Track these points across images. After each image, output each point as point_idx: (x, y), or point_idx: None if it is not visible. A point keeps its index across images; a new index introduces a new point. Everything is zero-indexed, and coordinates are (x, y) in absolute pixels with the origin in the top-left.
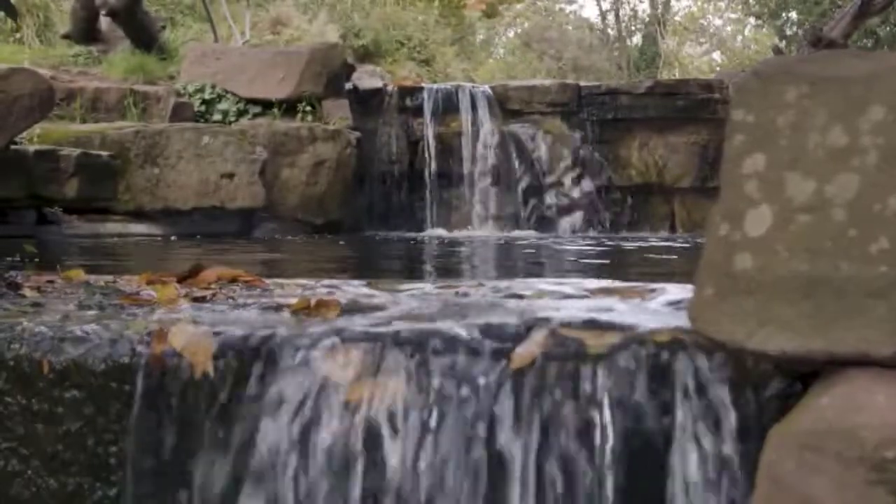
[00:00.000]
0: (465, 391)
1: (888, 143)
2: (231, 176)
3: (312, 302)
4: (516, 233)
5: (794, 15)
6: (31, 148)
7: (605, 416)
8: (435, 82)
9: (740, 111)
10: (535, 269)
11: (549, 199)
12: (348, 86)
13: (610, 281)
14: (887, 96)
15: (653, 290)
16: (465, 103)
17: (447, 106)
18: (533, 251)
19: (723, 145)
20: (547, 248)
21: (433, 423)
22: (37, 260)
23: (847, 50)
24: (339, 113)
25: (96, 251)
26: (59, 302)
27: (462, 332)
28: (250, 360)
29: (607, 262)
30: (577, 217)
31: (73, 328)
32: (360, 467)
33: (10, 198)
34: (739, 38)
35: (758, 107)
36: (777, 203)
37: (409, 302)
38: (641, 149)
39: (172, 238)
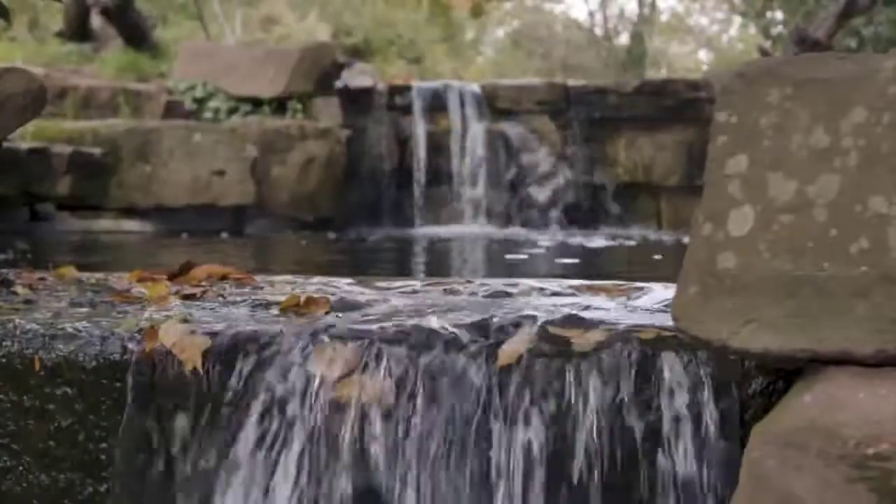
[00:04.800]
0: (451, 388)
1: (869, 145)
2: (222, 173)
3: (302, 299)
4: (505, 230)
5: (779, 14)
6: (24, 146)
7: (590, 413)
8: (425, 80)
9: (724, 112)
10: (523, 266)
11: (538, 196)
12: (339, 84)
13: (596, 279)
14: (869, 98)
15: (638, 289)
16: (454, 102)
17: (436, 104)
18: (521, 248)
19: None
20: (535, 246)
21: (420, 419)
22: (29, 256)
23: (830, 52)
24: (329, 111)
25: (88, 248)
26: (50, 299)
27: (449, 330)
28: (240, 357)
29: (594, 259)
30: (565, 214)
31: (64, 325)
32: (347, 463)
33: (2, 195)
34: (725, 36)
35: (741, 108)
36: (759, 203)
37: (397, 299)
38: (629, 147)
39: (164, 235)
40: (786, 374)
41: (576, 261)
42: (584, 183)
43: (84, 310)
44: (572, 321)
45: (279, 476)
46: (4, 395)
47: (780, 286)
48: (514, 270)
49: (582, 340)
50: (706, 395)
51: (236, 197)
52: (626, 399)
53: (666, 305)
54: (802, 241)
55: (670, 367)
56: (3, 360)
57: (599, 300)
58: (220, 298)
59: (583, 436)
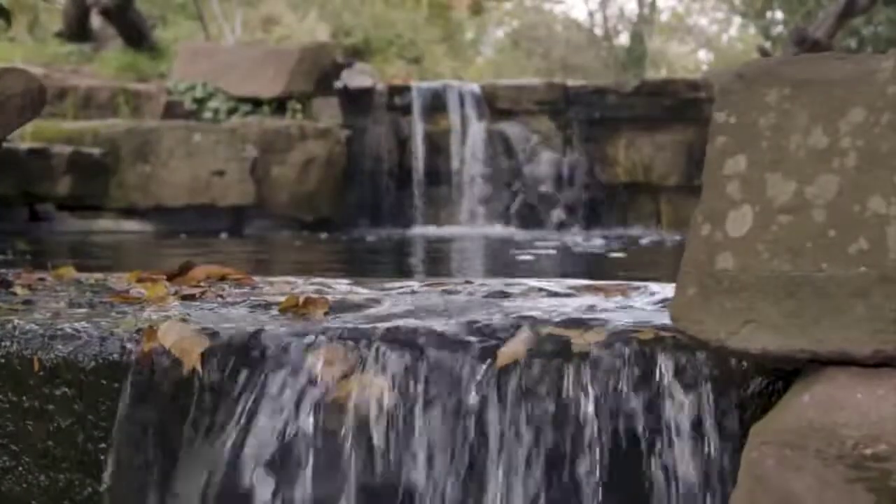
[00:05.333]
0: (450, 389)
1: (868, 145)
2: (222, 174)
3: (301, 300)
4: (504, 230)
5: (779, 14)
6: (24, 146)
7: (589, 414)
8: (424, 80)
9: (723, 113)
10: (522, 266)
11: (537, 196)
12: (338, 84)
13: (595, 279)
14: (867, 98)
15: (637, 289)
16: (453, 102)
17: (436, 104)
18: (520, 249)
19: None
20: (534, 246)
21: (419, 420)
22: (28, 257)
23: (829, 52)
24: (328, 111)
25: (87, 248)
26: (49, 300)
27: (448, 331)
28: (238, 358)
29: (593, 259)
30: (564, 214)
31: (63, 326)
32: (347, 464)
33: (2, 195)
34: (725, 36)
35: (740, 108)
36: (758, 203)
37: (396, 300)
38: (628, 147)
39: (164, 235)
40: (785, 374)
41: (575, 260)
42: (584, 183)
43: (83, 310)
44: (571, 321)
45: (279, 477)
46: (4, 396)
47: (779, 286)
48: (513, 270)
49: (581, 341)
50: (705, 395)
51: (236, 197)
52: (626, 399)
53: (665, 305)
54: (801, 241)
55: (669, 367)
56: (3, 361)
57: (598, 300)
58: (219, 299)
59: (582, 436)
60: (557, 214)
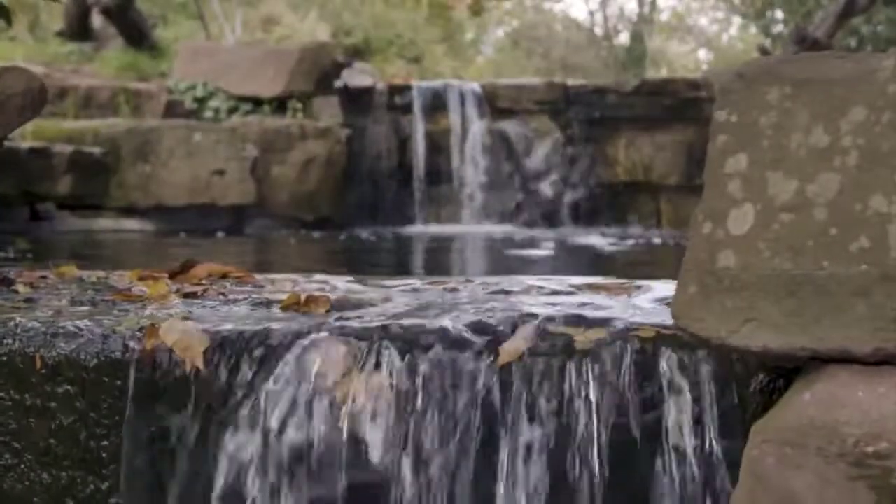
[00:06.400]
0: (452, 387)
1: (869, 144)
2: (222, 173)
3: (302, 298)
4: (505, 229)
5: (779, 14)
6: (25, 145)
7: (591, 411)
8: (424, 79)
9: (724, 112)
10: (523, 264)
11: (537, 195)
12: (339, 83)
13: (596, 277)
14: (868, 97)
15: (639, 287)
16: (454, 101)
17: (437, 104)
18: (521, 247)
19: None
20: (535, 245)
21: (420, 418)
22: (29, 256)
23: (829, 51)
24: (329, 110)
25: (88, 247)
26: (51, 298)
27: (450, 328)
28: (240, 355)
29: (594, 257)
30: (565, 213)
31: (65, 324)
32: (346, 462)
33: (3, 194)
34: (725, 36)
35: (741, 107)
36: (759, 202)
37: (398, 298)
38: (628, 147)
39: (164, 234)
40: (786, 372)
41: (575, 259)
42: (584, 182)
43: (85, 308)
44: (573, 319)
45: (279, 476)
46: (6, 394)
47: (780, 285)
48: (513, 269)
49: (583, 339)
50: (706, 393)
51: (236, 196)
52: (627, 397)
53: (666, 304)
54: (802, 239)
55: (671, 365)
56: (5, 359)
57: (600, 298)
58: (221, 297)
59: (583, 434)
60: (557, 213)
